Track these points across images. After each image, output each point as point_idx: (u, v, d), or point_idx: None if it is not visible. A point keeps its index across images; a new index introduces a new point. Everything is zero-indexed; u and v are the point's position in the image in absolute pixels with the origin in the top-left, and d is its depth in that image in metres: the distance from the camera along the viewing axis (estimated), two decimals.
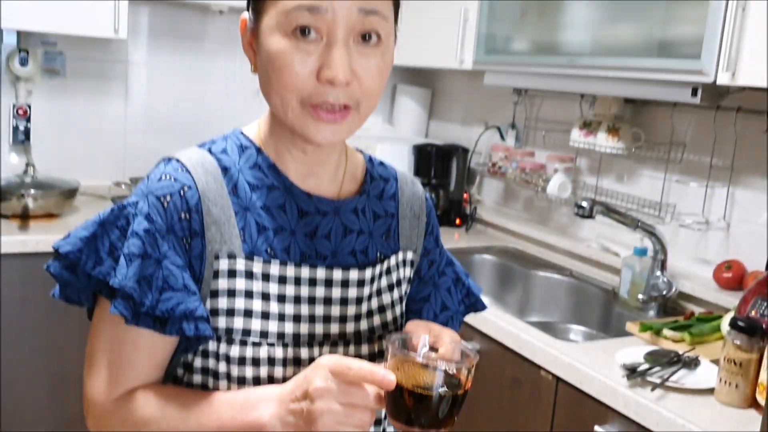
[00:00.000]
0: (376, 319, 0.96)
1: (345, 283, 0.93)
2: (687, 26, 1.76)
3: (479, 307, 1.11)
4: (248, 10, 0.89)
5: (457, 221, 2.93)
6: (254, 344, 0.86)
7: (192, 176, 0.86)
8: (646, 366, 1.57)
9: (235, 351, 0.86)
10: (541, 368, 1.73)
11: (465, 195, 2.95)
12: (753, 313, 1.57)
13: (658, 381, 1.51)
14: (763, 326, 1.45)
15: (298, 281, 0.90)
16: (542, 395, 1.73)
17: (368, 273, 0.95)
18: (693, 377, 1.57)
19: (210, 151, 0.91)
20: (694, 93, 1.79)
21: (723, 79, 1.66)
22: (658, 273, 2.05)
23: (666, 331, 1.78)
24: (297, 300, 0.90)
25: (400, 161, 2.96)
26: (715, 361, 1.60)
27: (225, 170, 0.89)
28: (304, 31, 0.81)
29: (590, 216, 2.00)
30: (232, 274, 0.86)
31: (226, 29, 3.06)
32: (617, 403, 1.52)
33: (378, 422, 0.96)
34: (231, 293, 0.86)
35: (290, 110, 0.84)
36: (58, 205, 2.50)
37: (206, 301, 0.86)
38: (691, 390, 1.52)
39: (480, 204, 2.99)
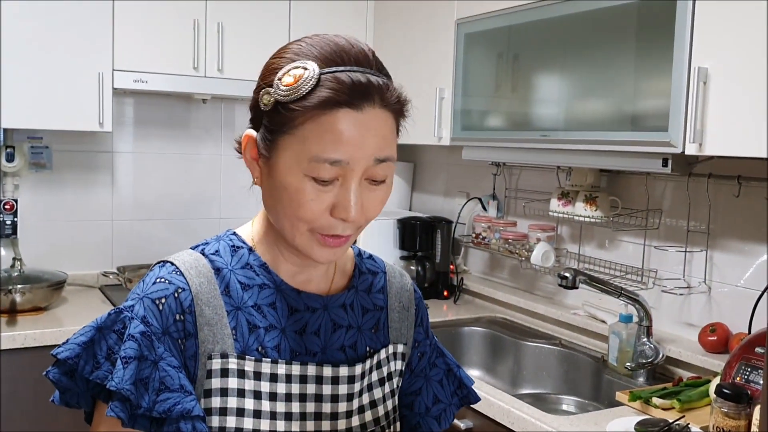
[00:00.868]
0: (368, 415, 0.98)
1: (335, 380, 0.94)
2: (654, 100, 1.82)
3: (472, 399, 1.11)
4: (252, 128, 0.90)
5: (445, 293, 2.95)
6: None
7: (186, 278, 0.89)
8: None
9: None
10: None
11: (451, 266, 2.98)
12: (738, 379, 1.59)
13: None
14: (749, 393, 1.47)
15: (289, 378, 0.91)
16: None
17: (358, 369, 0.96)
18: None
19: (203, 252, 0.94)
20: (665, 163, 1.85)
21: (691, 150, 1.72)
22: (645, 339, 2.08)
23: (655, 399, 1.79)
24: (288, 398, 0.91)
25: (385, 236, 3.00)
26: (705, 428, 1.61)
27: (217, 271, 0.92)
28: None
29: (574, 287, 2.03)
30: (224, 373, 0.88)
31: (210, 116, 3.13)
32: None
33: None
34: (224, 392, 0.88)
35: (299, 235, 0.88)
36: (46, 297, 2.51)
37: (200, 401, 0.87)
38: None
39: (466, 274, 3.02)
